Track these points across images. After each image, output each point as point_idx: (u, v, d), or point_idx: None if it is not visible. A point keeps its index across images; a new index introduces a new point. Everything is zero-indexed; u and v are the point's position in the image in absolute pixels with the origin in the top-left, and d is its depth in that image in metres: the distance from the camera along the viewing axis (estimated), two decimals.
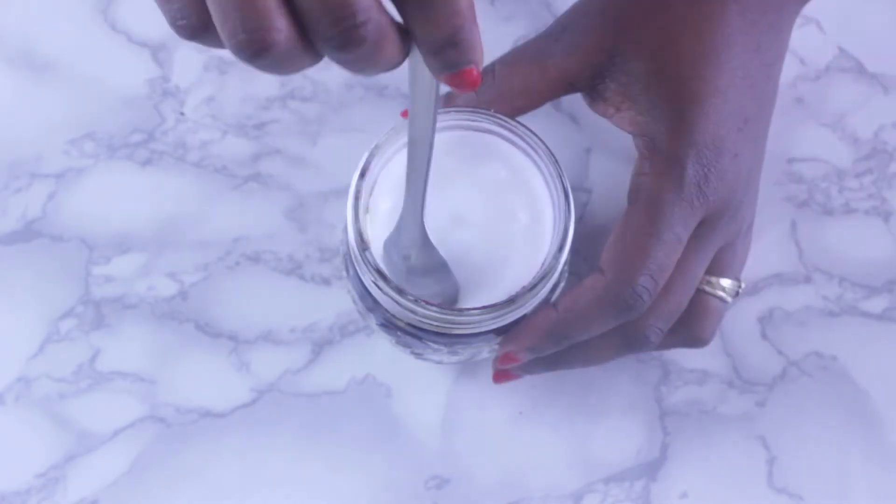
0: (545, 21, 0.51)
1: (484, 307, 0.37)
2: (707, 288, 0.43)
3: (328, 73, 0.51)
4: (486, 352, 0.43)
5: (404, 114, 0.42)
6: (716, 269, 0.43)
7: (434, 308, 0.36)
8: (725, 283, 0.43)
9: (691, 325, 0.43)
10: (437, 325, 0.38)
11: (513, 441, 0.48)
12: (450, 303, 0.39)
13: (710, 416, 0.49)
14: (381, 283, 0.36)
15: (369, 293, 0.39)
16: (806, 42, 0.52)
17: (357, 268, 0.38)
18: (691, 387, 0.49)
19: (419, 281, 0.38)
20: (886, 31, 0.52)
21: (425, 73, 0.28)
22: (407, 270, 0.38)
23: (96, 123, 0.50)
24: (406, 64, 0.28)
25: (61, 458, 0.47)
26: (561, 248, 0.37)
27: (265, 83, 0.50)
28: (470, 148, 0.40)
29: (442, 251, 0.38)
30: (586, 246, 0.48)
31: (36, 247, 0.49)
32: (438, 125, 0.39)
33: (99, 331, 0.48)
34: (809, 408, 0.49)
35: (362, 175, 0.38)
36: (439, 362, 0.45)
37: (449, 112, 0.39)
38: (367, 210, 0.39)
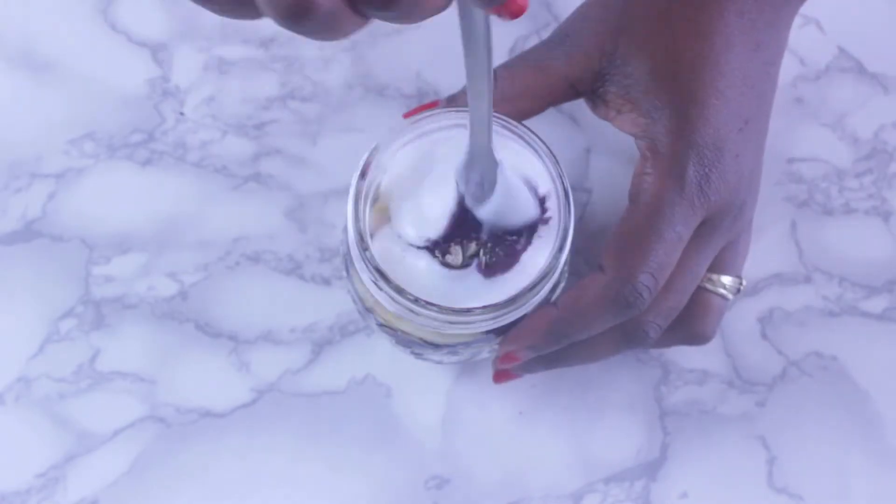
0: (545, 21, 0.51)
1: (484, 307, 0.37)
2: (708, 285, 0.43)
3: (328, 73, 0.51)
4: (486, 352, 0.43)
5: (406, 115, 0.42)
6: (717, 266, 0.43)
7: (434, 308, 0.36)
8: (727, 280, 0.43)
9: (693, 323, 0.44)
10: (436, 326, 0.38)
11: (513, 441, 0.48)
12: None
13: (710, 416, 0.49)
14: (381, 283, 0.36)
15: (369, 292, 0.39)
16: (806, 42, 0.52)
17: (357, 268, 0.38)
18: (691, 387, 0.49)
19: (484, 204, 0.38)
20: (886, 31, 0.52)
21: (474, 12, 0.28)
22: (481, 195, 0.38)
23: (96, 123, 0.50)
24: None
25: (61, 458, 0.47)
26: (561, 248, 0.37)
27: (265, 83, 0.50)
28: None
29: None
30: (586, 246, 0.48)
31: (36, 247, 0.49)
32: (438, 125, 0.39)
33: (99, 331, 0.48)
34: (809, 408, 0.49)
35: (362, 175, 0.38)
36: (439, 362, 0.45)
37: (449, 112, 0.39)
38: (376, 201, 0.38)
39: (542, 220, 0.39)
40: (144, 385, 0.48)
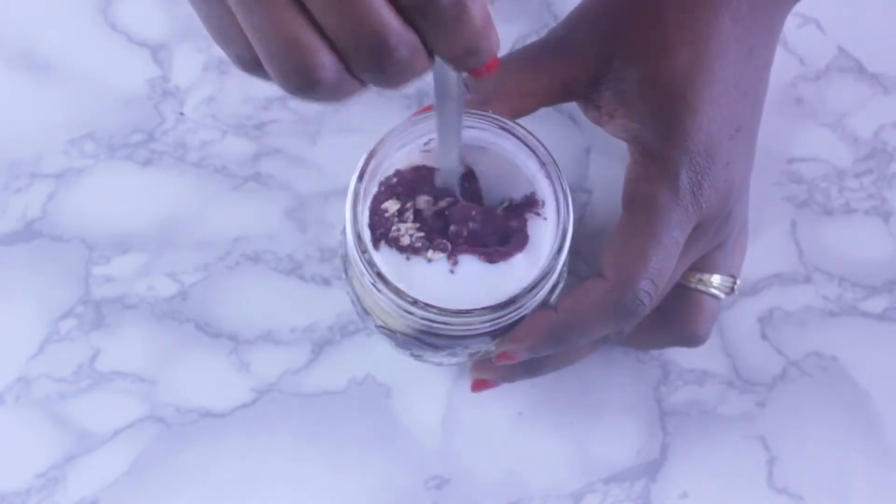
0: (545, 21, 0.51)
1: (483, 308, 0.37)
2: (700, 286, 0.43)
3: None
4: (485, 353, 0.43)
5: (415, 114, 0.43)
6: (707, 266, 0.43)
7: (433, 309, 0.36)
8: (716, 279, 0.43)
9: (685, 324, 0.44)
10: (436, 327, 0.38)
11: (513, 441, 0.48)
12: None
13: (710, 416, 0.49)
14: (381, 285, 0.36)
15: (368, 294, 0.39)
16: (806, 42, 0.52)
17: (356, 269, 0.38)
18: (691, 387, 0.49)
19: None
20: (886, 31, 0.52)
21: (448, 70, 0.30)
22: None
23: (96, 123, 0.50)
24: None
25: (61, 458, 0.47)
26: (560, 249, 0.37)
27: (265, 83, 0.50)
28: (467, 148, 0.40)
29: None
30: (586, 247, 0.48)
31: (36, 247, 0.49)
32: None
33: (99, 331, 0.48)
34: (809, 408, 0.49)
35: (360, 177, 0.37)
36: (439, 364, 0.45)
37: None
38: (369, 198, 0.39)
39: (532, 199, 0.39)
40: (144, 385, 0.48)
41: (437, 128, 0.35)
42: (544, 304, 0.40)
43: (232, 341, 0.48)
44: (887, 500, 0.48)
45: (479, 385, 0.46)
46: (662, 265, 0.39)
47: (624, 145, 0.41)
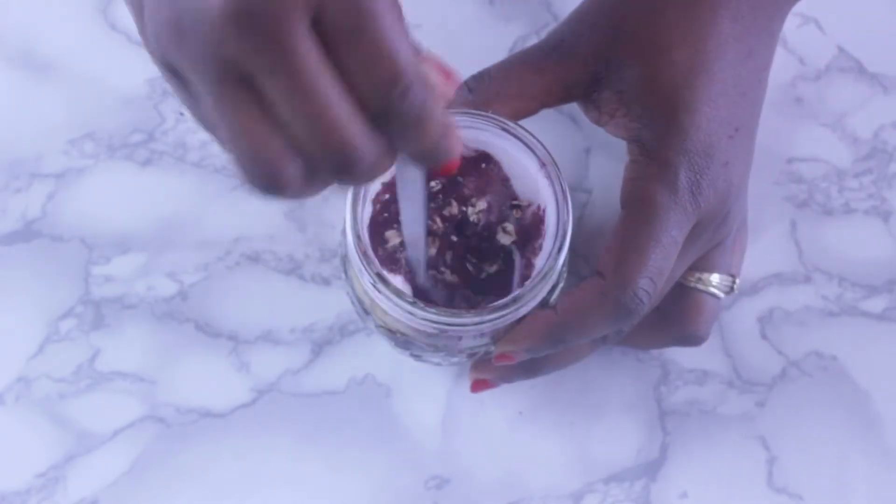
0: (545, 21, 0.51)
1: (482, 308, 0.37)
2: (699, 285, 0.43)
3: None
4: (485, 354, 0.43)
5: None
6: (706, 265, 0.43)
7: (432, 310, 0.36)
8: (715, 278, 0.43)
9: (685, 323, 0.44)
10: (435, 327, 0.38)
11: (513, 441, 0.48)
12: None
13: (710, 416, 0.49)
14: (381, 286, 0.36)
15: (367, 294, 0.39)
16: (806, 42, 0.52)
17: (356, 269, 0.38)
18: (691, 387, 0.49)
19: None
20: (886, 31, 0.52)
21: (411, 168, 0.32)
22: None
23: (96, 123, 0.50)
24: None
25: (61, 458, 0.47)
26: (560, 249, 0.37)
27: None
28: (467, 149, 0.40)
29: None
30: (586, 246, 0.48)
31: (36, 247, 0.49)
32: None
33: (99, 331, 0.48)
34: (809, 408, 0.49)
35: None
36: (438, 364, 0.45)
37: (453, 114, 0.39)
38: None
39: (515, 206, 0.40)
40: (144, 385, 0.48)
41: (402, 220, 0.36)
42: (544, 304, 0.40)
43: (232, 341, 0.48)
44: (887, 500, 0.48)
45: (478, 385, 0.46)
46: (661, 264, 0.39)
47: (624, 145, 0.41)
